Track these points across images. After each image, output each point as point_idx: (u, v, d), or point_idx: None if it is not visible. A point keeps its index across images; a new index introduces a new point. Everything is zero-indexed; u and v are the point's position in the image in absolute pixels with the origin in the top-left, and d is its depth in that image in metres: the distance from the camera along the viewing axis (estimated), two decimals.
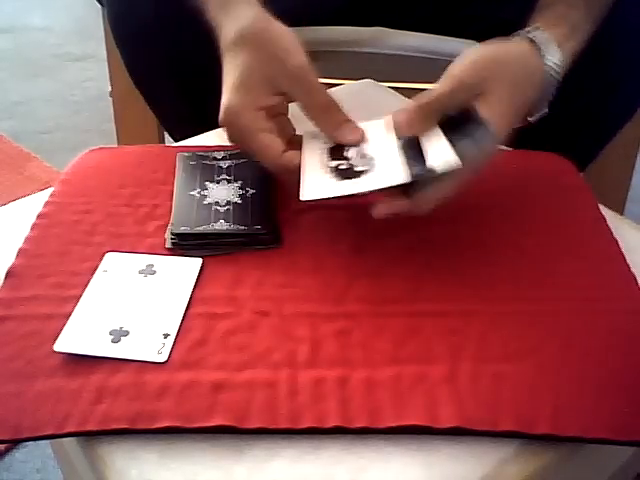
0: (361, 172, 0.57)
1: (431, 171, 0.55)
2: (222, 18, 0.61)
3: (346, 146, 0.60)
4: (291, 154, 0.59)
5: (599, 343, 0.53)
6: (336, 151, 0.60)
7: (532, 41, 0.62)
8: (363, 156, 0.59)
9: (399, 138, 0.59)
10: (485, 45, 0.61)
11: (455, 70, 0.59)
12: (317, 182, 0.57)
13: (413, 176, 0.55)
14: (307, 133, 0.62)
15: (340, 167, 0.58)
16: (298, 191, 0.57)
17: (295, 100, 0.59)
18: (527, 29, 0.63)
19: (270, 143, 0.59)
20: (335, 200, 0.64)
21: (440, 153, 0.56)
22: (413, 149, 0.57)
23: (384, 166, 0.57)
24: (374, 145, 0.59)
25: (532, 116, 0.65)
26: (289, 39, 0.59)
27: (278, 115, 0.61)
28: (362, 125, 0.61)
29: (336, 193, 0.56)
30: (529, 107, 0.63)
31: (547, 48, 0.62)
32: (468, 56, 0.60)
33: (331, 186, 0.57)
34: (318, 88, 0.59)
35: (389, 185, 0.56)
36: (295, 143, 0.61)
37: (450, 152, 0.55)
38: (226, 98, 0.58)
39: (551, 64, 0.62)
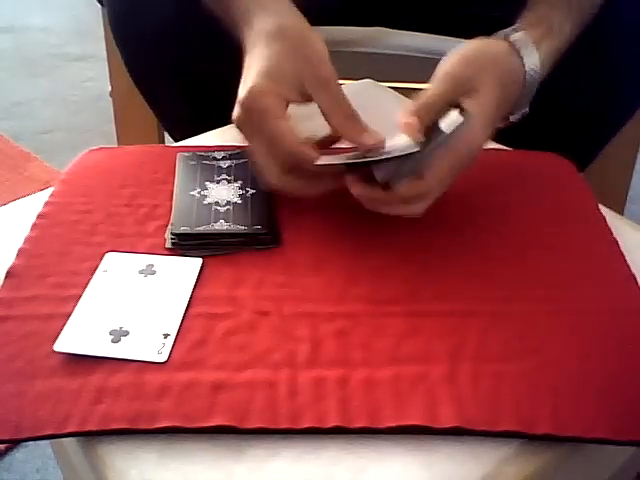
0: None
1: (441, 132, 0.56)
2: (257, 11, 0.62)
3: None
4: (308, 147, 0.58)
5: (599, 343, 0.53)
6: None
7: (510, 41, 0.63)
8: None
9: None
10: (470, 42, 0.63)
11: (446, 68, 0.60)
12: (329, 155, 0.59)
13: (422, 144, 0.56)
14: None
15: (355, 159, 0.59)
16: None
17: (319, 105, 0.60)
18: (505, 30, 0.64)
19: (289, 131, 0.58)
20: (336, 200, 0.64)
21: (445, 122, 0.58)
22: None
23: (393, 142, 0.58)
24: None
25: (513, 115, 0.66)
26: (323, 47, 0.60)
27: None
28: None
29: (346, 160, 0.58)
30: (511, 106, 0.64)
31: (524, 48, 0.63)
32: (456, 53, 0.61)
33: (342, 157, 0.58)
34: (343, 97, 0.59)
35: (398, 154, 0.56)
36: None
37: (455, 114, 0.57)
38: (252, 81, 0.58)
39: (530, 64, 0.63)
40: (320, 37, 0.61)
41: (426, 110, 0.59)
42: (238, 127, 0.61)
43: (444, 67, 0.61)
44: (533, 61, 0.63)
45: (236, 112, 0.59)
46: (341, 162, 0.59)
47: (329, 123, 0.60)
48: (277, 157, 0.59)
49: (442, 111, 0.59)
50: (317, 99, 0.59)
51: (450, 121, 0.57)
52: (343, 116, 0.59)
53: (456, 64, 0.61)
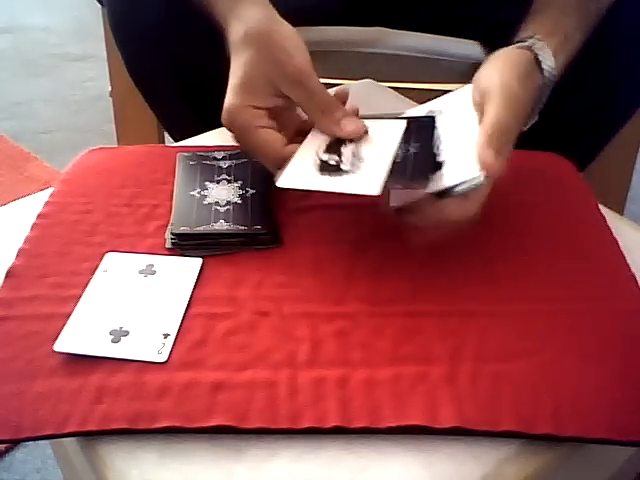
0: (343, 172, 0.57)
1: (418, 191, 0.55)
2: (230, 17, 0.62)
3: (346, 142, 0.59)
4: (293, 146, 0.59)
5: (599, 343, 0.53)
6: (334, 146, 0.59)
7: (534, 53, 0.62)
8: (356, 155, 0.58)
9: (408, 148, 0.59)
10: (506, 57, 0.61)
11: (495, 113, 0.57)
12: (298, 171, 0.57)
13: (382, 191, 0.54)
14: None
15: (329, 162, 0.58)
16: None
17: (296, 102, 0.60)
18: (526, 38, 0.63)
19: (270, 138, 0.59)
20: (335, 199, 0.64)
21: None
22: (420, 162, 0.57)
23: (365, 172, 0.56)
24: (374, 147, 0.59)
25: (525, 125, 0.65)
26: (292, 41, 0.59)
27: (282, 114, 0.61)
28: (381, 123, 0.61)
29: (307, 186, 0.56)
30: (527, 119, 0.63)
31: (545, 60, 0.62)
32: (498, 94, 0.58)
33: (307, 178, 0.56)
34: (318, 89, 0.59)
35: (355, 193, 0.55)
36: (304, 132, 0.61)
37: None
38: (227, 98, 0.59)
39: (548, 75, 0.62)
40: (290, 31, 0.60)
41: (501, 138, 0.56)
42: (233, 141, 0.62)
43: (501, 80, 0.58)
44: (552, 73, 0.62)
45: (221, 129, 0.61)
46: (298, 188, 0.57)
47: (309, 119, 0.60)
48: (270, 164, 0.60)
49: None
50: (292, 97, 0.59)
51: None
52: (318, 109, 0.59)
53: (513, 79, 0.58)
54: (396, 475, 0.45)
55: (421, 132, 0.60)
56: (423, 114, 0.63)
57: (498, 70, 0.60)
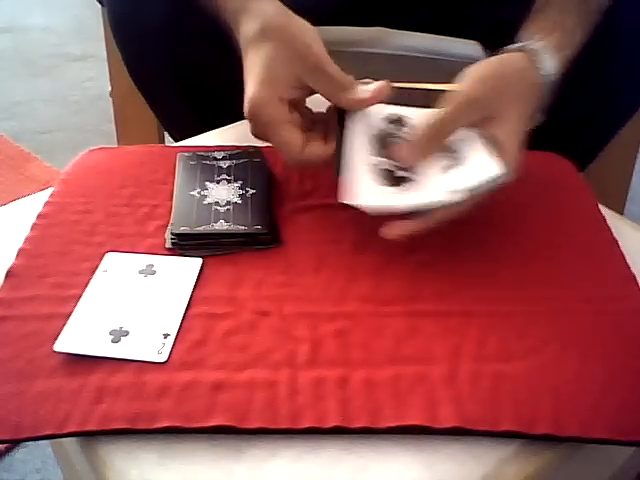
0: (402, 179, 0.58)
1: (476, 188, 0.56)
2: (242, 14, 0.62)
3: (391, 137, 0.60)
4: (311, 149, 0.60)
5: (599, 343, 0.53)
6: (381, 142, 0.60)
7: (530, 52, 0.62)
8: None
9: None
10: (485, 62, 0.61)
11: (465, 89, 0.59)
12: (364, 186, 0.58)
13: (459, 197, 0.55)
14: (350, 116, 0.62)
15: (382, 167, 0.59)
16: (335, 188, 0.59)
17: (319, 92, 0.60)
18: (524, 38, 0.63)
19: (291, 139, 0.59)
20: (335, 200, 0.64)
21: (482, 168, 0.57)
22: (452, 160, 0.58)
23: (425, 180, 0.57)
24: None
25: (532, 122, 0.65)
26: (309, 33, 0.60)
27: (299, 106, 0.62)
28: (407, 110, 0.61)
29: (380, 208, 0.57)
30: (532, 119, 0.63)
31: (543, 59, 0.62)
32: (471, 73, 0.60)
33: (379, 194, 0.58)
34: (337, 74, 0.59)
35: (436, 205, 0.56)
36: (317, 122, 0.62)
37: (494, 166, 0.56)
38: (251, 91, 0.59)
39: (548, 75, 0.62)
40: (305, 24, 0.61)
41: (438, 134, 0.58)
42: (253, 135, 0.62)
43: (462, 87, 0.59)
44: (551, 72, 0.62)
45: (247, 122, 0.61)
46: (375, 205, 0.58)
47: (335, 104, 0.61)
48: (289, 163, 0.61)
49: (453, 130, 0.58)
50: (314, 87, 0.60)
51: (489, 176, 0.56)
52: (340, 90, 0.60)
53: (475, 85, 0.59)
54: (396, 475, 0.45)
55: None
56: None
57: (485, 64, 0.61)
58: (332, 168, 0.61)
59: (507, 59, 0.62)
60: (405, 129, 0.61)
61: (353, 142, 0.60)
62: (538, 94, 0.62)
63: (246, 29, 0.61)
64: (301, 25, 0.61)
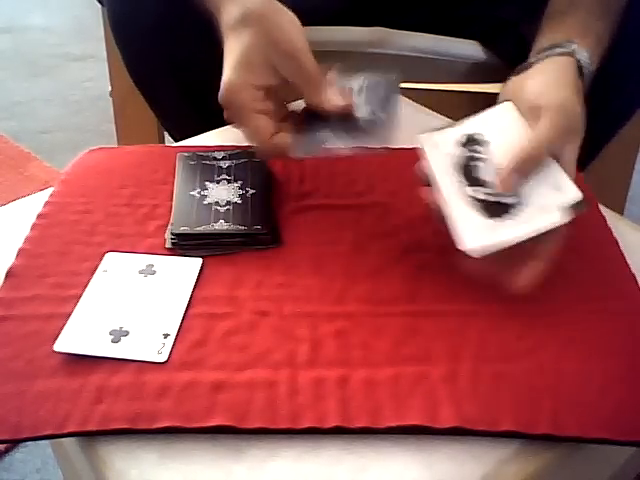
0: (509, 206, 0.55)
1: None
2: (224, 1, 0.62)
3: (473, 161, 0.58)
4: (280, 138, 0.60)
5: (599, 343, 0.53)
6: (468, 171, 0.57)
7: (576, 59, 0.61)
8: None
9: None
10: (551, 70, 0.60)
11: (550, 117, 0.56)
12: (472, 225, 0.54)
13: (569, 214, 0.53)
14: (425, 139, 0.60)
15: (479, 198, 0.56)
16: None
17: (287, 77, 0.60)
18: (566, 43, 0.62)
19: (261, 125, 0.60)
20: (335, 199, 0.64)
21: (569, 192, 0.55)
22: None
23: (533, 201, 0.54)
24: (504, 159, 0.56)
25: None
26: (289, 21, 0.60)
27: (275, 95, 0.61)
28: (484, 118, 0.60)
29: (502, 239, 0.53)
30: None
31: (587, 67, 0.62)
32: (552, 94, 0.57)
33: (492, 230, 0.54)
34: (308, 64, 0.59)
35: (551, 227, 0.53)
36: (290, 118, 0.62)
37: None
38: (226, 75, 0.59)
39: (587, 81, 0.62)
40: (286, 13, 0.61)
41: (532, 165, 0.55)
42: (226, 120, 0.62)
43: (556, 97, 0.56)
44: (590, 77, 0.62)
45: (221, 128, 0.61)
46: (491, 244, 0.53)
47: (298, 92, 0.61)
48: (258, 149, 0.62)
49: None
50: (283, 72, 0.60)
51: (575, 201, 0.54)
52: (306, 82, 0.60)
53: (570, 94, 0.57)
54: (396, 475, 0.45)
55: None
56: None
57: (551, 82, 0.58)
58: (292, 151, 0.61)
59: (567, 70, 0.60)
60: (480, 148, 0.58)
61: (440, 174, 0.57)
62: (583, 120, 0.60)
63: (226, 15, 0.61)
64: (283, 13, 0.61)
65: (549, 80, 0.59)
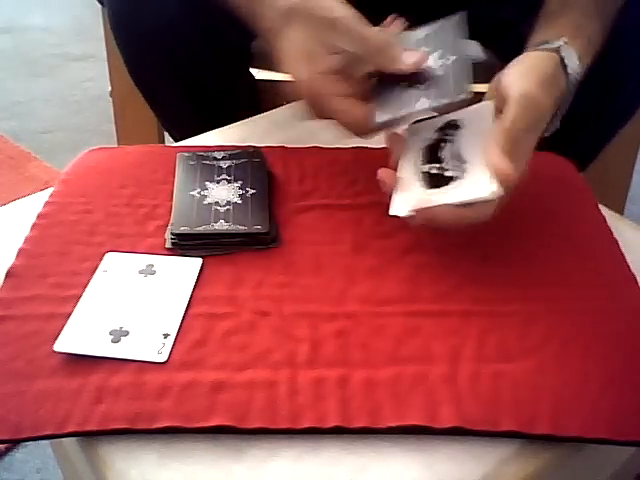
0: (449, 179, 0.57)
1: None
2: (258, 5, 0.61)
3: (440, 144, 0.60)
4: (368, 109, 0.58)
5: (599, 343, 0.53)
6: (431, 153, 0.60)
7: (561, 56, 0.61)
8: (457, 157, 0.59)
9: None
10: (530, 58, 0.60)
11: (524, 89, 0.57)
12: (407, 196, 0.58)
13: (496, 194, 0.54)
14: (410, 128, 0.62)
15: (431, 171, 0.58)
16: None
17: (354, 52, 0.59)
18: (555, 40, 0.62)
19: (347, 107, 0.59)
20: (335, 199, 0.64)
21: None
22: None
23: (472, 175, 0.56)
24: (469, 143, 0.59)
25: (547, 131, 0.64)
26: (337, 4, 0.59)
27: (352, 75, 0.60)
28: (467, 111, 0.61)
29: (419, 205, 0.56)
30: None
31: (571, 63, 0.62)
32: (527, 71, 0.58)
33: (416, 197, 0.57)
34: (370, 33, 0.59)
35: (473, 199, 0.55)
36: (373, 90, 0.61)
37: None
38: (292, 72, 0.59)
39: (572, 79, 0.62)
40: (334, 1, 0.60)
41: (515, 147, 0.56)
42: (315, 117, 0.61)
43: (520, 87, 0.57)
44: (576, 77, 0.62)
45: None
46: (410, 209, 0.57)
47: (369, 64, 0.60)
48: (353, 132, 0.60)
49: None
50: (348, 47, 0.59)
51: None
52: (375, 50, 0.59)
53: (533, 85, 0.57)
54: (396, 475, 0.45)
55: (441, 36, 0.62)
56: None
57: (520, 74, 0.59)
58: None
59: (548, 59, 0.61)
60: (452, 132, 0.60)
61: (404, 158, 0.60)
62: (559, 102, 0.61)
63: (273, 9, 0.60)
64: (330, 2, 0.59)
65: (521, 71, 0.60)
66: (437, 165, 0.59)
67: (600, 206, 0.67)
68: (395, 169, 0.60)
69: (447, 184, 0.57)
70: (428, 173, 0.58)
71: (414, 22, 0.93)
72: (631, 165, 1.12)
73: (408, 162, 0.60)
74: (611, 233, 0.63)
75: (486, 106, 0.61)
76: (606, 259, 0.61)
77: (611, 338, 0.53)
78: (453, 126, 0.61)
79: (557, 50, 0.61)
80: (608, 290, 0.57)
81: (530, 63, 0.60)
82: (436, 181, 0.58)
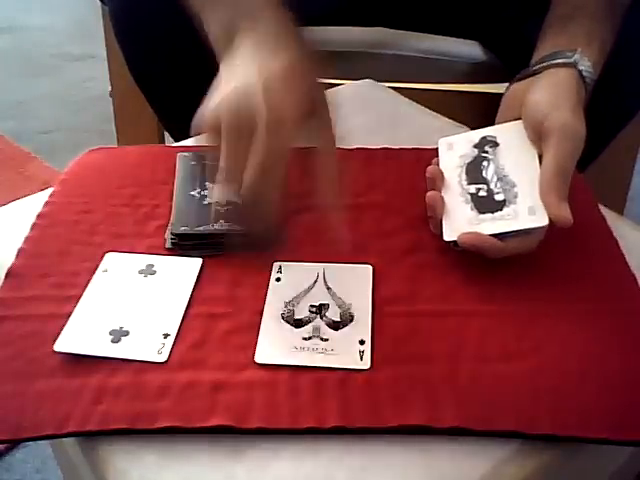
0: (501, 203, 0.58)
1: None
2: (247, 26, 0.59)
3: (480, 160, 0.61)
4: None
5: (599, 343, 0.53)
6: (475, 169, 0.61)
7: (579, 70, 0.62)
8: (502, 179, 0.60)
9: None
10: (557, 83, 0.61)
11: (564, 122, 0.59)
12: (458, 218, 0.58)
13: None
14: (443, 142, 0.64)
15: (479, 194, 0.59)
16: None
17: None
18: (569, 52, 0.63)
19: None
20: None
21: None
22: None
23: (523, 201, 0.57)
24: (511, 163, 0.60)
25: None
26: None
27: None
28: (498, 128, 0.63)
29: (471, 233, 0.57)
30: None
31: (589, 75, 0.63)
32: (561, 101, 0.59)
33: (471, 222, 0.58)
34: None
35: (529, 228, 0.56)
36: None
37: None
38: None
39: (589, 88, 0.63)
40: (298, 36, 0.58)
41: (566, 186, 0.57)
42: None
43: (559, 121, 0.58)
44: (591, 85, 0.63)
45: None
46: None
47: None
48: None
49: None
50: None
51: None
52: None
53: (569, 115, 0.59)
54: (396, 475, 0.45)
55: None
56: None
57: (552, 105, 0.59)
58: None
59: (571, 81, 0.62)
60: (489, 149, 0.62)
61: (445, 174, 0.61)
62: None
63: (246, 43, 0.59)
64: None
65: (551, 99, 0.60)
66: (484, 187, 0.60)
67: (600, 206, 0.67)
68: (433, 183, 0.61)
69: (498, 208, 0.58)
70: (476, 195, 0.59)
71: (414, 23, 0.93)
72: (631, 165, 1.12)
73: (451, 180, 0.61)
74: (611, 233, 0.63)
75: (518, 124, 0.62)
76: (606, 259, 0.61)
77: (611, 338, 0.53)
78: (490, 142, 0.62)
79: (574, 65, 0.62)
80: (608, 290, 0.57)
81: (556, 85, 0.61)
82: (486, 204, 0.58)
